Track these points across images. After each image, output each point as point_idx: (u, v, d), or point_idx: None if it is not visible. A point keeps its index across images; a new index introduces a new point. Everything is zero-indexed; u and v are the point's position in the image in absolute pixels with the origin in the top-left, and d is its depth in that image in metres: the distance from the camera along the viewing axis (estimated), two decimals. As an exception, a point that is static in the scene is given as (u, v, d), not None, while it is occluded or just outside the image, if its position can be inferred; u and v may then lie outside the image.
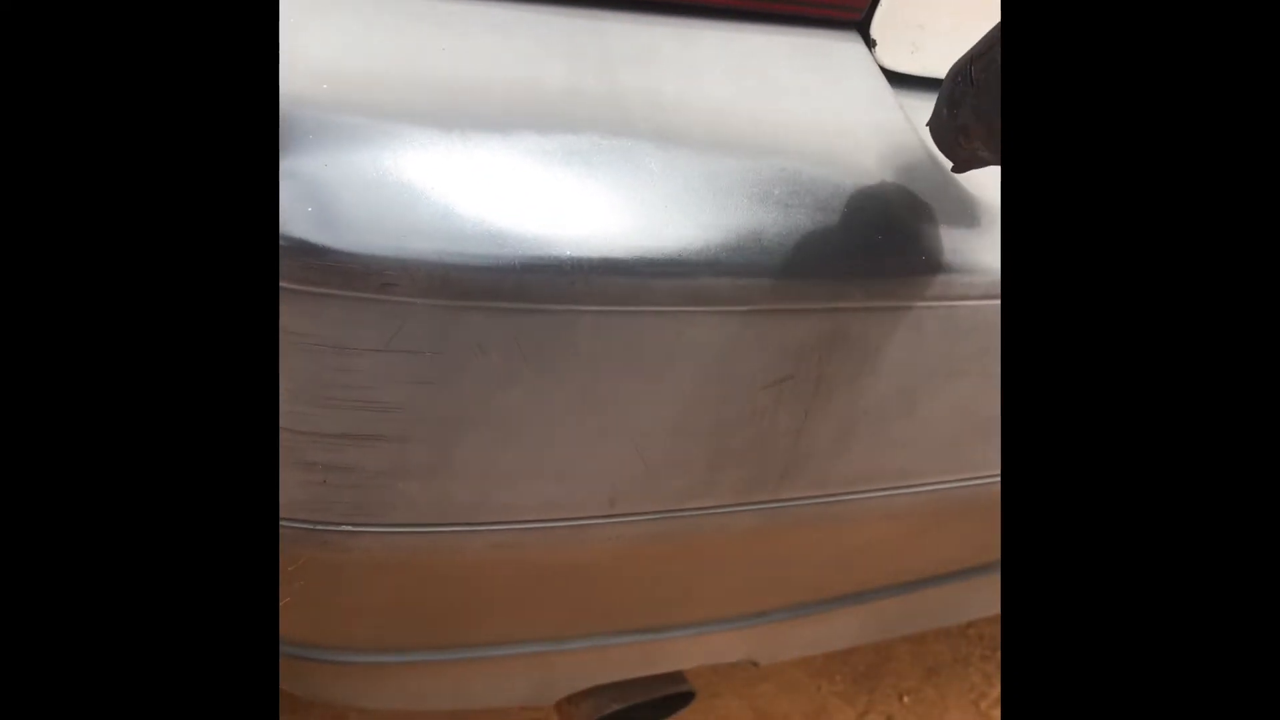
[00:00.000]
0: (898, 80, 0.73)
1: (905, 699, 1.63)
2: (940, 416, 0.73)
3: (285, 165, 0.55)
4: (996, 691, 1.64)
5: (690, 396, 0.65)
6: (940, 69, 0.77)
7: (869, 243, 0.65)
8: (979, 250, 0.67)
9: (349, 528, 0.64)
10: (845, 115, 0.69)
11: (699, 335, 0.63)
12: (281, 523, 0.63)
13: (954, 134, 0.60)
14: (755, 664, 0.98)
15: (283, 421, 0.59)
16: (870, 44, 0.73)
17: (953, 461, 0.77)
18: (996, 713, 1.61)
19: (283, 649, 0.79)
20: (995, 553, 0.94)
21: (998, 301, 0.68)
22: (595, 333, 0.60)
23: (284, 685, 0.86)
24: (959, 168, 0.63)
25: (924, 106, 0.74)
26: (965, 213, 0.68)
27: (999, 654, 1.70)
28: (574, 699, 0.94)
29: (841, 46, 0.72)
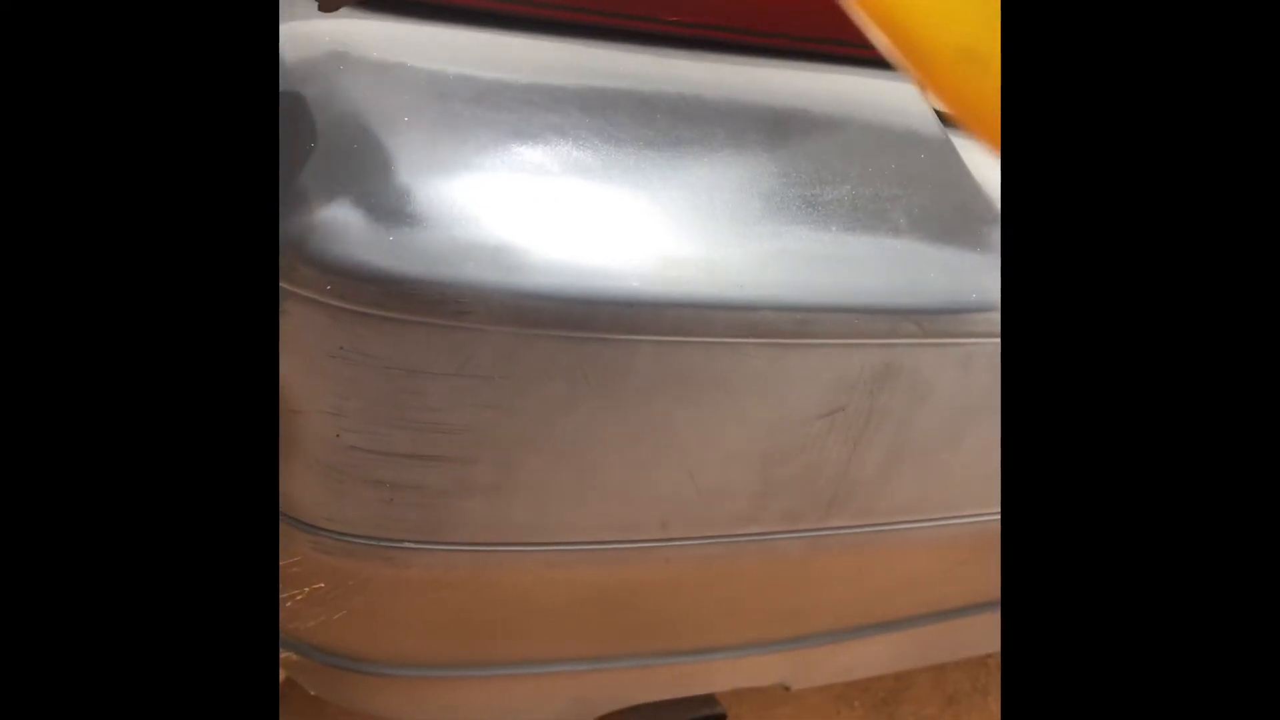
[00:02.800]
0: (948, 120, 0.75)
1: (924, 726, 1.62)
2: (984, 450, 0.75)
3: (366, 194, 0.57)
4: (1016, 722, 1.64)
5: (744, 425, 0.67)
6: (989, 110, 0.79)
7: (923, 278, 0.66)
8: (1029, 289, 0.68)
9: (411, 545, 0.66)
10: (901, 153, 0.71)
11: (755, 366, 0.64)
12: (348, 538, 0.65)
13: None
14: (787, 688, 0.99)
15: (355, 440, 0.61)
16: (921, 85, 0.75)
17: (995, 495, 0.79)
18: (1015, 743, 1.60)
19: (331, 660, 0.80)
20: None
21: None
22: (655, 362, 0.62)
23: (325, 694, 0.88)
24: None
25: (974, 146, 0.76)
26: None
27: (1019, 684, 1.69)
28: (609, 718, 0.95)
29: (895, 88, 0.74)
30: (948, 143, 0.73)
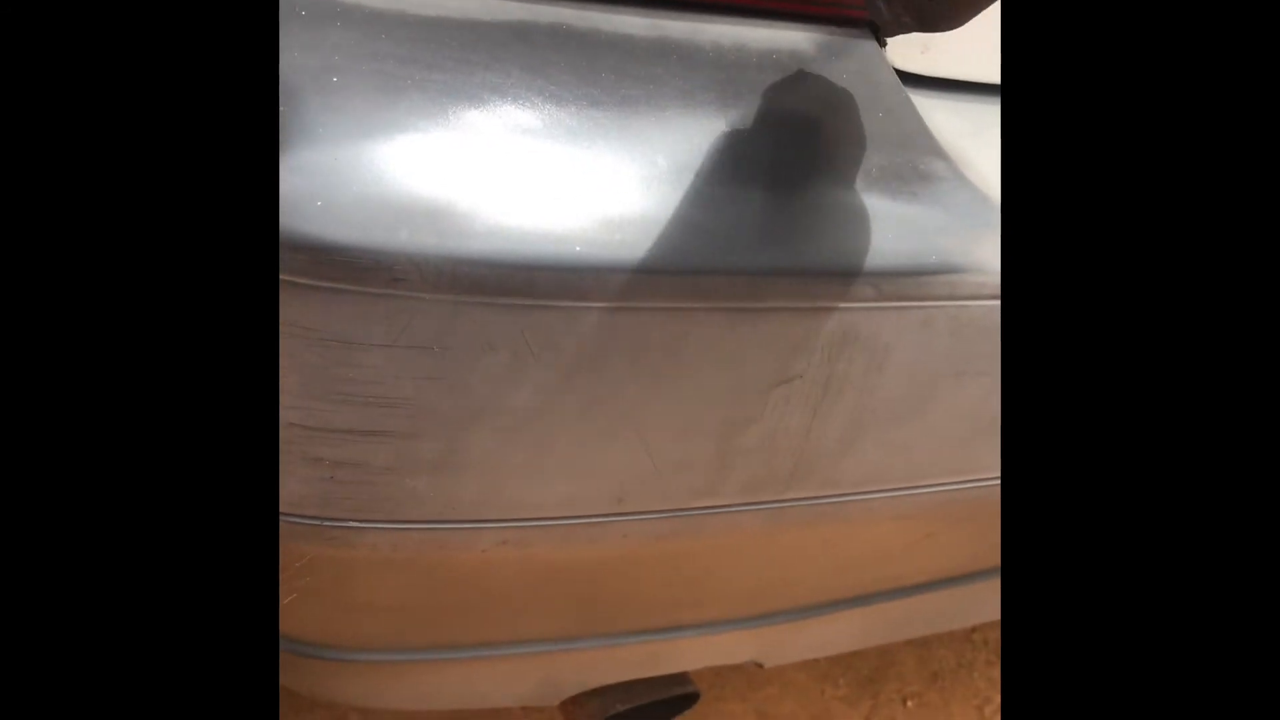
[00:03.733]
0: (908, 79, 0.73)
1: (909, 703, 1.62)
2: (949, 417, 0.73)
3: (294, 159, 0.55)
4: (1000, 697, 1.64)
5: (699, 394, 0.65)
6: (950, 69, 0.77)
7: (880, 241, 0.64)
8: (990, 250, 0.67)
9: (355, 524, 0.64)
10: (859, 112, 0.69)
11: (708, 333, 0.62)
12: (287, 518, 0.63)
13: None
14: (760, 666, 0.98)
15: (290, 417, 0.59)
16: (881, 43, 0.73)
17: (962, 462, 0.77)
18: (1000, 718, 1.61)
19: (288, 646, 0.79)
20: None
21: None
22: (603, 329, 0.60)
23: (288, 683, 0.86)
24: (885, 32, 0.67)
25: (935, 106, 0.74)
26: (977, 212, 0.67)
27: (1004, 659, 1.69)
28: (579, 699, 0.94)
29: (854, 45, 0.72)
30: (907, 102, 0.71)
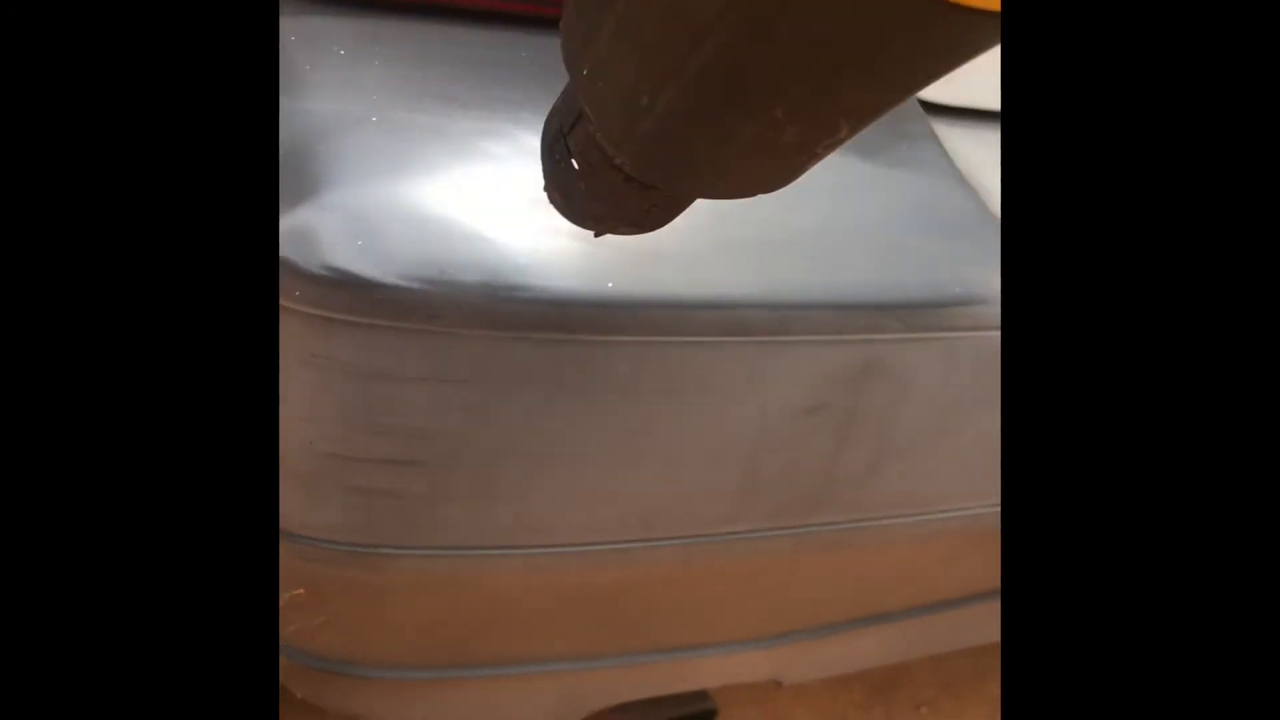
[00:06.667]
0: (932, 109, 0.74)
1: (923, 710, 1.62)
2: (970, 444, 0.74)
3: (334, 198, 0.56)
4: (1015, 706, 1.64)
5: (726, 424, 0.66)
6: (966, 97, 0.78)
7: (905, 273, 0.65)
8: (1013, 282, 0.67)
9: (390, 550, 0.65)
10: (877, 144, 0.69)
11: (735, 365, 0.64)
12: (325, 544, 0.64)
13: (584, 219, 0.46)
14: (779, 684, 0.98)
15: (331, 447, 0.60)
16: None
17: (982, 487, 0.78)
18: (1014, 726, 1.60)
19: (318, 664, 0.80)
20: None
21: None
22: (634, 362, 0.61)
23: (312, 698, 0.87)
24: (597, 234, 0.48)
25: (957, 135, 0.75)
26: (999, 243, 0.68)
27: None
28: (599, 716, 0.95)
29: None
30: (930, 132, 0.72)
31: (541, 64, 0.64)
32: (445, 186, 0.58)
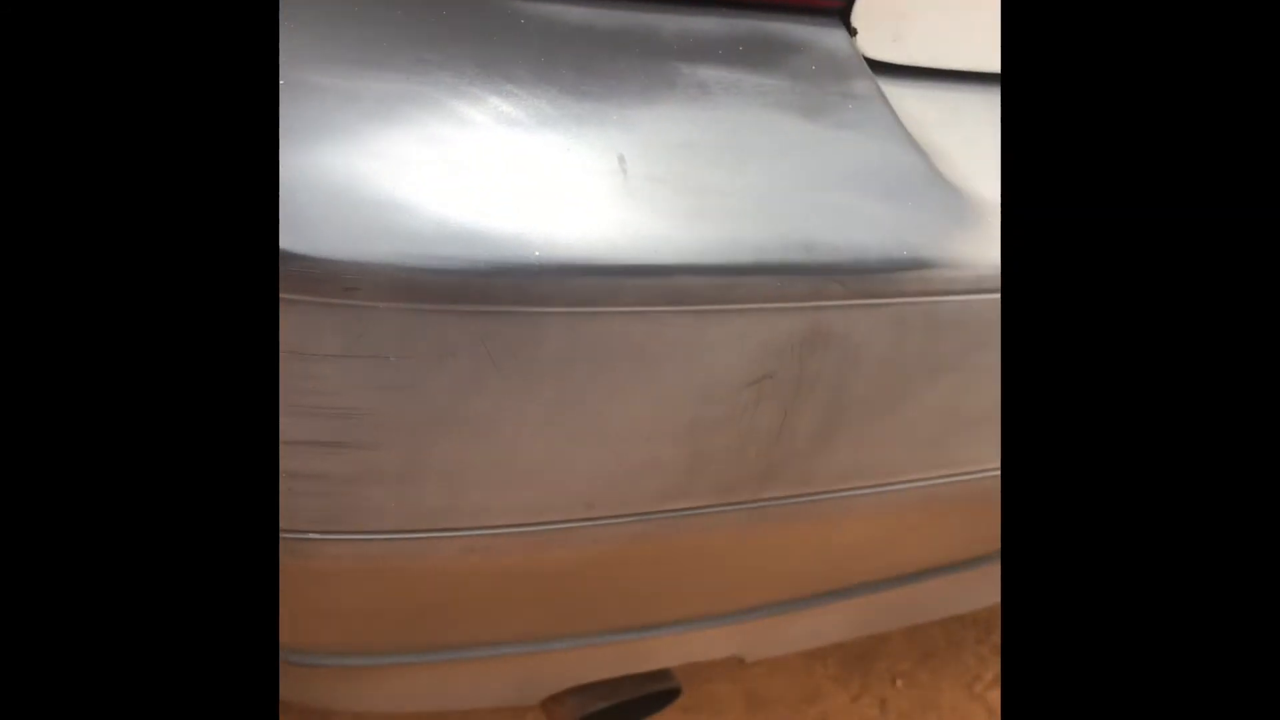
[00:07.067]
0: (879, 68, 0.71)
1: (899, 682, 1.62)
2: (924, 413, 0.72)
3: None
4: (990, 675, 1.64)
5: (666, 398, 0.64)
6: (922, 57, 0.75)
7: (848, 236, 0.63)
8: (962, 244, 0.65)
9: (315, 535, 0.63)
10: (822, 104, 0.67)
11: (674, 335, 0.61)
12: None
13: None
14: (743, 660, 0.97)
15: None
16: (851, 32, 0.71)
17: (938, 457, 0.76)
18: (991, 696, 1.61)
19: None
20: (981, 547, 0.93)
21: (981, 296, 0.66)
22: (566, 335, 0.59)
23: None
24: None
25: (906, 94, 0.72)
26: (949, 206, 0.66)
27: (993, 638, 1.70)
28: (559, 697, 0.93)
29: (822, 34, 0.70)
30: (877, 91, 0.69)
31: (462, 24, 0.61)
32: (360, 153, 0.55)
